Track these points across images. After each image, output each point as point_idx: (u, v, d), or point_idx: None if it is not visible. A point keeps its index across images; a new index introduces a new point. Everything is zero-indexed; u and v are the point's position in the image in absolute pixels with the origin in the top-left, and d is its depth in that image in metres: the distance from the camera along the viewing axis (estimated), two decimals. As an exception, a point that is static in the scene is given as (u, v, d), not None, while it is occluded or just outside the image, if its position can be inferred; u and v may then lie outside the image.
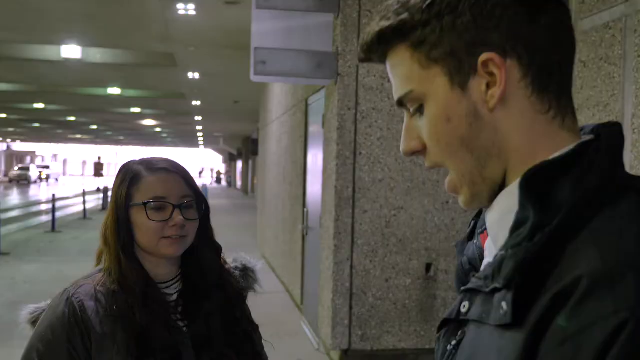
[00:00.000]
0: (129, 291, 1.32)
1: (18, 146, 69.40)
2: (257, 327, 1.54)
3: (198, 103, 17.94)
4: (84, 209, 17.94)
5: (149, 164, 1.39)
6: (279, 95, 8.89)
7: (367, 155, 4.88)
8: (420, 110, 0.74)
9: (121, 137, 47.08)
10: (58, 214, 15.74)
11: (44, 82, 16.34)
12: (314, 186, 5.91)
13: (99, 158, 74.55)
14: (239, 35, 7.80)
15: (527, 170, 0.65)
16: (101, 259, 1.40)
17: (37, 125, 35.27)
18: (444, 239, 4.98)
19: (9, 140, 60.48)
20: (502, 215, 0.70)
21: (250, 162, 30.14)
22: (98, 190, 27.85)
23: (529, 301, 0.61)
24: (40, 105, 22.48)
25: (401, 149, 0.79)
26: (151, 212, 1.33)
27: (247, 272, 1.57)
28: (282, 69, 4.84)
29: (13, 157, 69.41)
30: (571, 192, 0.63)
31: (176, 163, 1.43)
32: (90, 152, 78.13)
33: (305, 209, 6.31)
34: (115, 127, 34.35)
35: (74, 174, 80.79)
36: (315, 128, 6.02)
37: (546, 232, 0.61)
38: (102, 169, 70.47)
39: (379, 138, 4.89)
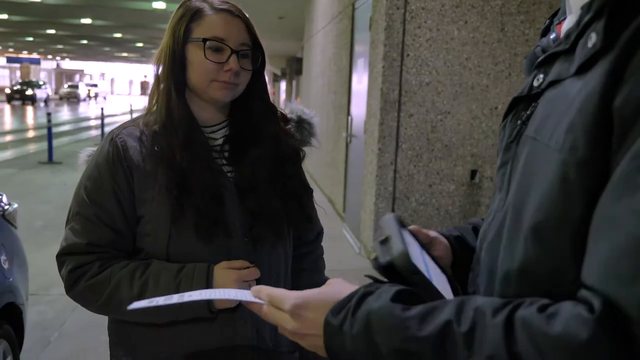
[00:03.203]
0: (172, 132, 1.31)
1: (67, 64, 70.51)
2: (310, 191, 1.52)
3: (242, 18, 17.67)
4: (132, 124, 18.29)
5: (212, 3, 1.33)
6: (324, 4, 8.66)
7: (415, 57, 4.74)
8: None
9: (166, 56, 47.13)
10: (107, 129, 16.10)
11: (90, -5, 16.33)
12: (359, 93, 5.82)
13: (145, 77, 75.10)
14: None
15: None
16: (152, 103, 1.38)
17: (84, 42, 35.62)
18: (491, 145, 4.88)
19: (58, 57, 61.43)
20: None
21: (294, 83, 29.89)
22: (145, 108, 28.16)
23: (621, 26, 0.57)
24: (88, 21, 22.59)
25: None
26: (208, 51, 1.29)
27: (302, 124, 1.52)
28: (329, -34, 4.66)
29: (62, 75, 70.70)
30: None
31: (240, 8, 1.36)
32: (137, 71, 78.82)
33: (350, 117, 6.25)
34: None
35: (121, 93, 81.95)
36: (361, 34, 5.86)
37: None
38: (148, 88, 70.96)
39: (428, 39, 4.73)
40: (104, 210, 1.29)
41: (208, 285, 1.26)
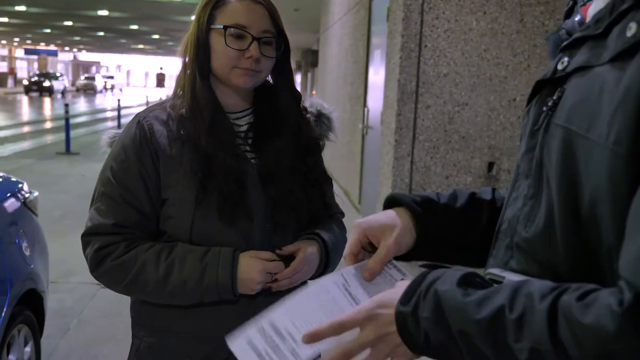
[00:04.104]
0: (197, 116, 1.32)
1: (84, 56, 70.99)
2: (330, 180, 1.53)
3: (258, 10, 17.66)
4: (148, 116, 18.37)
5: None
6: (341, -5, 8.64)
7: (433, 49, 4.71)
8: None
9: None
10: (123, 120, 16.20)
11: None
12: (376, 85, 5.80)
13: (161, 69, 75.40)
14: None
15: None
16: (178, 87, 1.40)
17: (101, 34, 35.84)
18: (509, 137, 4.84)
19: (75, 49, 61.86)
20: None
21: (309, 75, 29.86)
22: (161, 100, 28.32)
23: None
24: (104, 13, 22.72)
25: None
26: (229, 38, 1.31)
27: (321, 118, 1.53)
28: (347, -44, 4.64)
29: (79, 66, 71.19)
30: None
31: None
32: (153, 63, 79.13)
33: (366, 108, 6.24)
34: (176, 37, 34.39)
35: (137, 85, 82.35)
36: (378, 25, 5.84)
37: None
38: (164, 80, 71.30)
39: (446, 30, 4.69)
40: (129, 191, 1.31)
41: (233, 269, 1.27)
